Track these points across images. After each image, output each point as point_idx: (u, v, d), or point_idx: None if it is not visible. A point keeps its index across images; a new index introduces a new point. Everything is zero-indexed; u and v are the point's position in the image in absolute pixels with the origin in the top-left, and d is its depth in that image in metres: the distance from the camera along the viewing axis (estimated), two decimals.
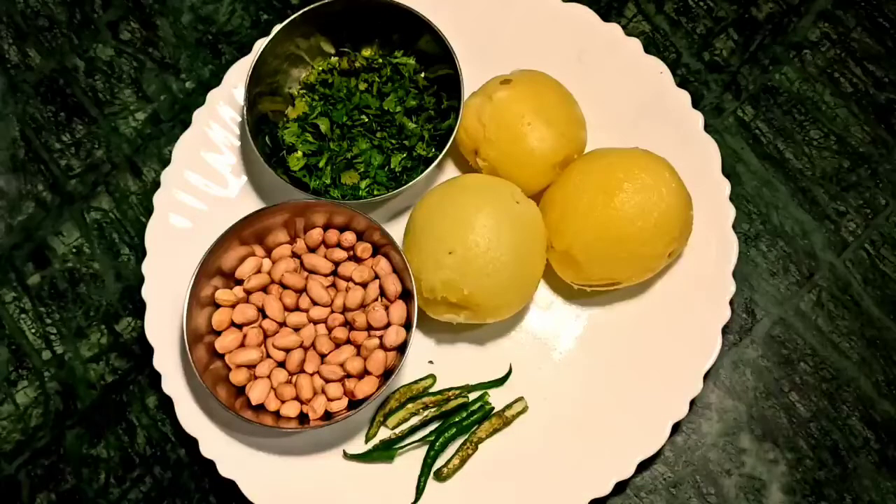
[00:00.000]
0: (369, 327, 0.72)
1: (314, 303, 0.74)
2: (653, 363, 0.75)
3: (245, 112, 0.76)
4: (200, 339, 0.72)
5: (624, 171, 0.72)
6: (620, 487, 0.73)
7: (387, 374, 0.72)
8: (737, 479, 0.76)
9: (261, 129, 0.78)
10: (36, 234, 0.84)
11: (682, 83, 0.84)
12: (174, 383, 0.75)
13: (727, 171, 0.79)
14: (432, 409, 0.76)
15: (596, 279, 0.74)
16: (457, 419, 0.75)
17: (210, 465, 0.74)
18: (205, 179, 0.81)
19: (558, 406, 0.76)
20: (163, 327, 0.76)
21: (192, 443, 0.74)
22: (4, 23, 0.91)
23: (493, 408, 0.76)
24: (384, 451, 0.75)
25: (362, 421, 0.76)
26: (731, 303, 0.75)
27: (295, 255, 0.76)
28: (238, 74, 0.81)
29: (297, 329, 0.74)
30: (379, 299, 0.74)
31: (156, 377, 0.76)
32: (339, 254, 0.75)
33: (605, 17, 0.83)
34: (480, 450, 0.75)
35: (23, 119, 0.88)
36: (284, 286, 0.74)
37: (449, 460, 0.74)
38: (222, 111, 0.82)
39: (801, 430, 0.76)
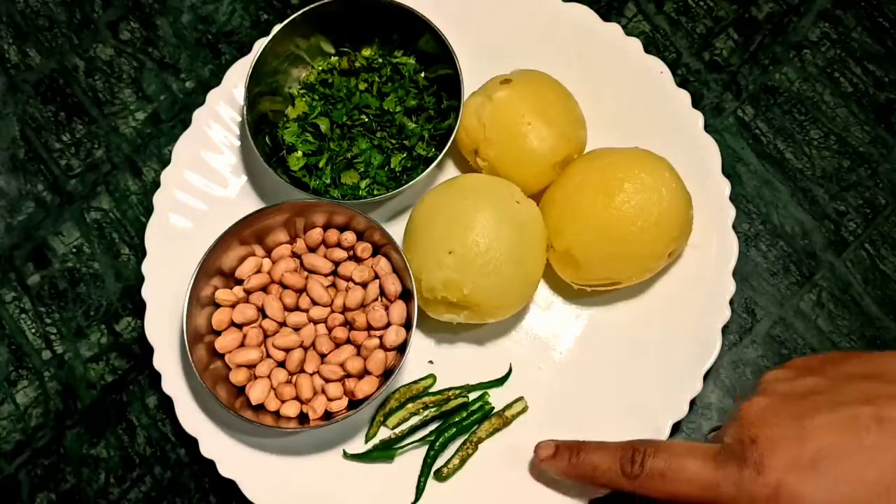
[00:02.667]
0: (369, 327, 0.72)
1: (314, 302, 0.74)
2: (653, 363, 0.75)
3: (245, 112, 0.76)
4: (200, 338, 0.72)
5: (624, 171, 0.72)
6: None
7: (387, 373, 0.72)
8: None
9: (260, 128, 0.78)
10: (36, 234, 0.84)
11: (682, 83, 0.84)
12: (174, 383, 0.75)
13: (727, 171, 0.79)
14: (432, 409, 0.76)
15: (596, 279, 0.74)
16: (457, 419, 0.75)
17: (210, 464, 0.74)
18: (205, 179, 0.81)
19: (558, 406, 0.76)
20: (163, 327, 0.76)
21: (192, 442, 0.74)
22: (4, 23, 0.91)
23: (493, 408, 0.76)
24: (384, 451, 0.75)
25: (362, 421, 0.76)
26: (731, 303, 0.75)
27: (295, 254, 0.76)
28: (238, 74, 0.81)
29: (297, 329, 0.73)
30: (379, 299, 0.74)
31: (156, 377, 0.76)
32: (339, 253, 0.75)
33: (605, 17, 0.83)
34: (480, 450, 0.75)
35: (23, 119, 0.88)
36: (284, 286, 0.74)
37: (449, 460, 0.74)
38: (222, 111, 0.82)
39: None
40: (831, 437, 0.53)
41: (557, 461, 0.68)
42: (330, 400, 0.72)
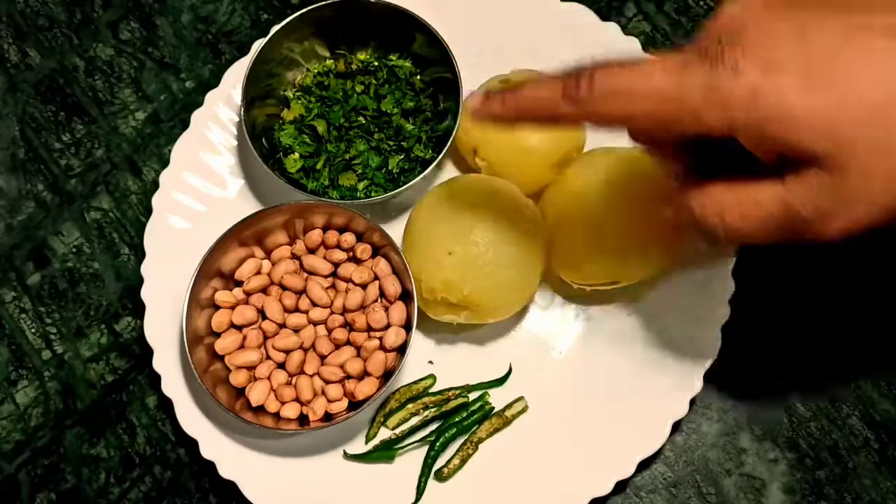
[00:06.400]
0: (369, 328, 0.72)
1: (314, 304, 0.74)
2: (653, 362, 0.75)
3: (243, 113, 0.76)
4: (200, 340, 0.72)
5: (623, 171, 0.72)
6: (620, 487, 0.73)
7: (387, 374, 0.72)
8: (737, 479, 0.76)
9: (258, 131, 0.78)
10: (36, 234, 0.84)
11: None
12: (174, 385, 0.75)
13: None
14: (432, 410, 0.76)
15: (595, 278, 0.74)
16: (457, 419, 0.75)
17: (210, 464, 0.74)
18: (203, 181, 0.81)
19: (558, 406, 0.76)
20: (162, 329, 0.76)
21: (192, 442, 0.74)
22: (4, 22, 0.91)
23: (493, 408, 0.76)
24: (384, 452, 0.75)
25: (362, 421, 0.76)
26: (731, 302, 0.75)
27: (294, 256, 0.76)
28: (236, 76, 0.81)
29: (296, 330, 0.74)
30: (379, 300, 0.74)
31: (156, 377, 0.76)
32: (339, 255, 0.75)
33: (605, 17, 0.83)
34: (480, 450, 0.75)
35: (22, 119, 0.88)
36: (284, 287, 0.74)
37: (449, 460, 0.74)
38: (220, 112, 0.82)
39: (801, 430, 0.77)
40: (834, 39, 0.43)
41: (492, 104, 0.55)
42: (330, 401, 0.72)
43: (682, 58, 0.46)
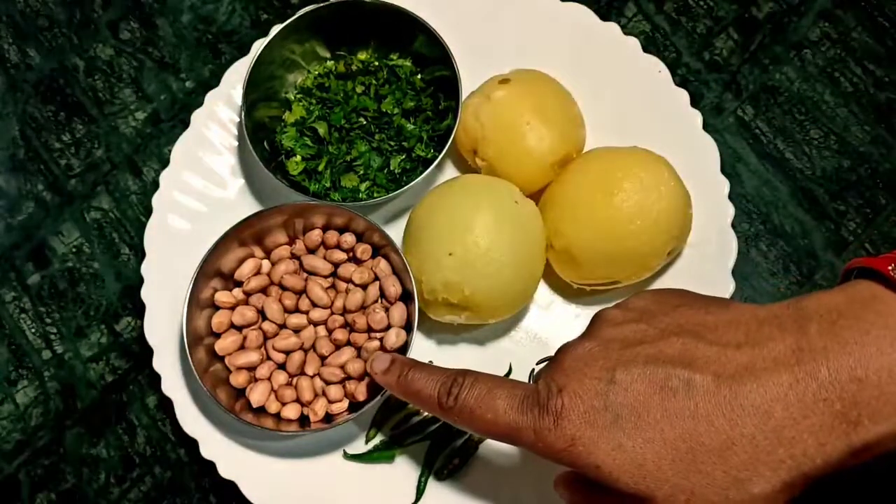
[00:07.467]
0: (369, 329, 0.72)
1: (314, 304, 0.73)
2: None
3: (243, 116, 0.76)
4: (200, 341, 0.72)
5: (623, 170, 0.72)
6: None
7: None
8: None
9: (259, 134, 0.78)
10: (36, 234, 0.84)
11: (682, 83, 0.84)
12: (174, 385, 0.75)
13: (727, 171, 0.79)
14: None
15: (595, 278, 0.74)
16: None
17: (210, 464, 0.74)
18: (204, 181, 0.81)
19: None
20: (162, 329, 0.76)
21: (192, 442, 0.75)
22: (4, 22, 0.91)
23: None
24: (384, 452, 0.75)
25: (363, 422, 0.76)
26: None
27: (294, 256, 0.76)
28: (236, 76, 0.81)
29: (297, 331, 0.73)
30: (379, 301, 0.74)
31: (156, 377, 0.76)
32: (339, 255, 0.75)
33: (605, 17, 0.83)
34: (481, 449, 0.75)
35: (22, 119, 0.88)
36: (284, 288, 0.74)
37: (449, 460, 0.74)
38: (221, 112, 0.82)
39: None
40: (638, 393, 0.50)
41: (388, 376, 0.64)
42: (331, 402, 0.72)
43: (521, 396, 0.54)
